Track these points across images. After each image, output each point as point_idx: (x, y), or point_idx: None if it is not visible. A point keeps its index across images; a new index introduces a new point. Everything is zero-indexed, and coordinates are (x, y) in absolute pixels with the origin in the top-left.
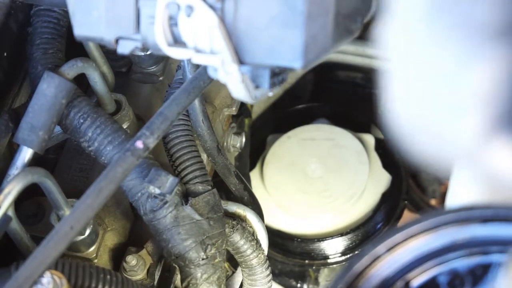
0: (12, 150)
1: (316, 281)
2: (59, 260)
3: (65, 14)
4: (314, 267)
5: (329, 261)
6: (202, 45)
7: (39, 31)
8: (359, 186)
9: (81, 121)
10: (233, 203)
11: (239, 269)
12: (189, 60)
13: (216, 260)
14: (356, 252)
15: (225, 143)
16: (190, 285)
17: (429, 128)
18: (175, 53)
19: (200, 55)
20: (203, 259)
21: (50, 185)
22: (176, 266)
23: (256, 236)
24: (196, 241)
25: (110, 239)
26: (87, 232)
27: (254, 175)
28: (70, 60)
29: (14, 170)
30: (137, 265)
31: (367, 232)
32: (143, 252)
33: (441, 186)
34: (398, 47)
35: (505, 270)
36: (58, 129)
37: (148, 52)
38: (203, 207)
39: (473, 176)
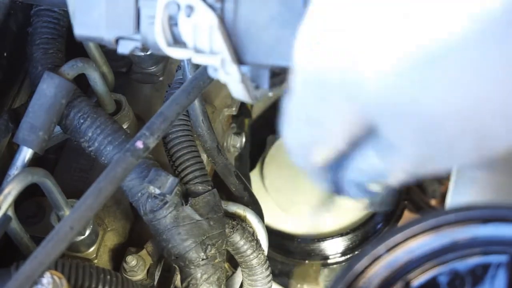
0: (12, 150)
1: (316, 281)
2: (59, 260)
3: (65, 14)
4: (314, 267)
5: (329, 261)
6: (202, 45)
7: (39, 31)
8: None
9: (81, 121)
10: (233, 203)
11: (239, 269)
12: (189, 60)
13: (216, 261)
14: (356, 252)
15: (225, 143)
16: (190, 285)
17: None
18: (175, 53)
19: (200, 55)
20: (203, 259)
21: (50, 185)
22: (176, 266)
23: (256, 236)
24: (196, 241)
25: (110, 239)
26: (87, 232)
27: (254, 175)
28: (70, 60)
29: (14, 170)
30: (137, 265)
31: (367, 233)
32: (143, 252)
33: (441, 186)
34: None
35: None
36: (58, 129)
37: (148, 52)
38: (203, 207)
39: None
